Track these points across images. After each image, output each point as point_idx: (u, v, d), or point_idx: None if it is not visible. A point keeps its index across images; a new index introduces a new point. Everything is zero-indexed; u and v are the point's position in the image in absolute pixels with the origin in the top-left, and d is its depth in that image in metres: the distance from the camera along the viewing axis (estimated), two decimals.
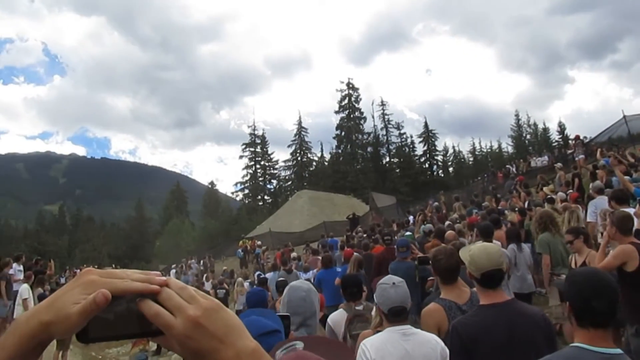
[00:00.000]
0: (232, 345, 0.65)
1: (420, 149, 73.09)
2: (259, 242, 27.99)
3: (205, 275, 22.39)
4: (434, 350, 2.78)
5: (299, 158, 73.79)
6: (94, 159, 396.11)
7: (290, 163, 74.41)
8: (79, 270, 33.50)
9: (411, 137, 73.78)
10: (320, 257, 14.02)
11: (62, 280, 27.90)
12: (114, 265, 41.59)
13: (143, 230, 75.68)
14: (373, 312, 3.64)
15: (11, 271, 12.68)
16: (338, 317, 4.28)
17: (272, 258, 21.87)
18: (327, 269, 8.83)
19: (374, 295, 3.11)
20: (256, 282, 14.32)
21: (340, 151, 71.03)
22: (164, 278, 0.67)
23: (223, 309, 0.67)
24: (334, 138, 71.84)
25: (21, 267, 13.19)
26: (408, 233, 10.77)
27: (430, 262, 3.75)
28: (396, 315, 2.89)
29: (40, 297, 11.53)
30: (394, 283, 2.98)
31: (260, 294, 3.98)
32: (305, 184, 66.26)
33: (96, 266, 39.58)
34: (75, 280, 0.65)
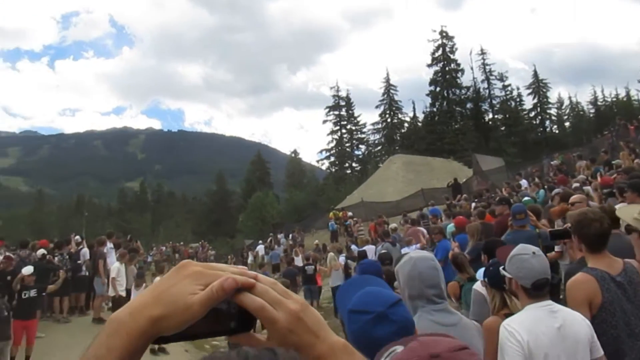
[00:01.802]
0: (325, 339, 0.70)
1: (528, 102, 69.77)
2: (350, 213, 28.20)
3: (294, 250, 22.91)
4: (583, 328, 2.64)
5: (389, 120, 72.94)
6: (170, 132, 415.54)
7: (379, 126, 73.87)
8: (164, 248, 35.65)
9: (517, 89, 70.57)
10: (421, 228, 13.93)
11: (149, 259, 29.77)
12: (202, 242, 43.80)
13: (225, 204, 78.73)
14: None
15: (105, 249, 13.71)
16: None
17: (365, 230, 22.01)
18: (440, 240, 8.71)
19: (505, 269, 2.96)
20: (351, 255, 14.47)
21: (435, 109, 69.23)
22: (253, 273, 0.70)
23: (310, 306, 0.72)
24: (427, 95, 70.10)
25: (112, 245, 14.21)
26: (526, 198, 10.32)
27: (573, 227, 3.51)
28: (539, 289, 2.74)
29: (139, 275, 12.42)
30: (534, 253, 2.83)
31: (377, 264, 3.97)
32: (396, 148, 65.53)
33: (182, 243, 41.95)
34: (177, 272, 0.68)
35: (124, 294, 12.23)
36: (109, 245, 14.08)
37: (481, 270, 4.07)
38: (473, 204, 15.39)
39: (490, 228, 8.47)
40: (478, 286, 4.37)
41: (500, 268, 3.12)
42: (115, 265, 12.49)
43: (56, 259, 13.26)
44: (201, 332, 0.68)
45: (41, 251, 12.78)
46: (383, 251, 9.43)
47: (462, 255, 6.31)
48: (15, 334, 10.54)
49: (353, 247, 16.85)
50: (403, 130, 72.52)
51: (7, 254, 12.76)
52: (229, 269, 0.70)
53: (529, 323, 2.63)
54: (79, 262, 13.69)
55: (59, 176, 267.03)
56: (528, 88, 70.07)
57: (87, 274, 13.77)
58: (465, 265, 5.71)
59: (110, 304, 13.26)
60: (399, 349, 0.97)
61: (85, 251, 13.96)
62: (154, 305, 0.64)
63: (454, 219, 10.79)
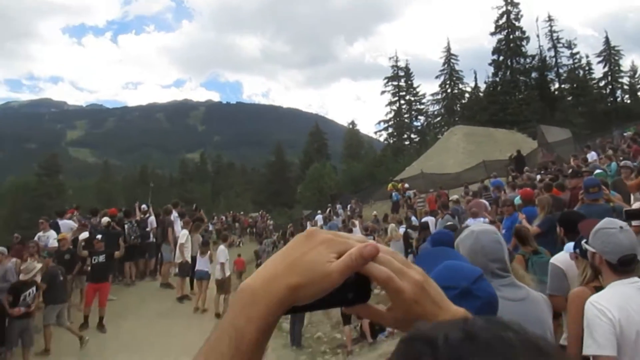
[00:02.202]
0: (447, 309, 0.69)
1: (598, 70, 66.20)
2: (407, 185, 27.95)
3: (351, 221, 22.97)
4: None
5: (449, 90, 71.39)
6: (229, 104, 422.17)
7: (438, 96, 72.50)
8: (224, 218, 36.45)
9: (586, 57, 66.93)
10: (483, 201, 13.64)
11: (211, 228, 30.49)
12: (261, 212, 44.54)
13: (284, 175, 79.68)
14: None
15: (172, 218, 14.17)
16: (567, 259, 4.00)
17: (424, 202, 21.77)
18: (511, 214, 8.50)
19: (589, 243, 2.84)
20: (410, 225, 14.36)
21: (497, 79, 67.00)
22: (374, 242, 0.68)
23: None
24: (489, 64, 67.83)
25: (177, 214, 14.66)
26: (598, 171, 9.90)
27: None
28: (627, 265, 2.62)
29: (204, 243, 12.82)
30: (621, 227, 2.70)
31: (450, 234, 3.88)
32: (456, 119, 64.23)
33: (242, 213, 42.78)
34: (307, 240, 0.66)
35: (190, 260, 12.65)
36: (175, 213, 14.54)
37: (570, 244, 3.91)
38: (538, 177, 14.89)
39: (560, 201, 8.19)
40: (557, 260, 4.23)
41: (583, 242, 3.00)
42: (183, 233, 12.90)
43: (126, 226, 13.80)
44: (319, 304, 0.66)
45: (105, 219, 13.32)
46: (449, 223, 9.28)
47: (525, 228, 6.14)
48: (87, 296, 11.14)
49: (413, 218, 16.74)
50: (464, 101, 70.88)
51: (82, 221, 13.40)
52: (353, 237, 0.68)
53: (619, 300, 2.52)
54: (147, 229, 14.22)
55: (124, 148, 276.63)
56: (598, 56, 66.58)
57: (154, 240, 14.30)
58: (529, 239, 5.55)
59: (176, 270, 13.75)
60: None
61: (152, 219, 14.48)
62: (290, 274, 0.63)
63: (520, 190, 10.51)
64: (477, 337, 0.49)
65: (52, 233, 11.88)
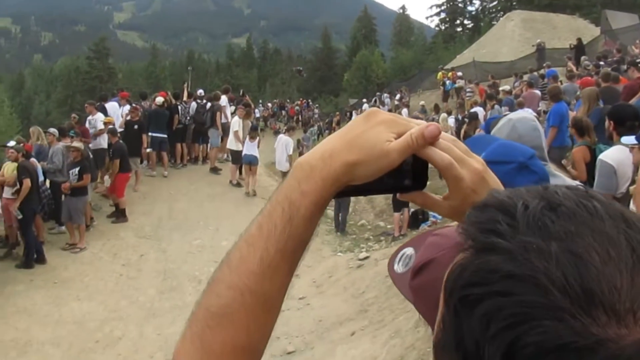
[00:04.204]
0: None
1: None
2: (460, 74, 27.10)
3: (398, 111, 22.74)
4: None
5: None
6: None
7: None
8: (270, 105, 36.56)
9: None
10: (536, 91, 13.16)
11: (257, 114, 30.72)
12: (301, 99, 44.45)
13: (330, 62, 78.17)
14: None
15: (222, 103, 14.26)
16: (621, 155, 3.88)
17: (475, 92, 21.19)
18: (556, 102, 8.15)
19: None
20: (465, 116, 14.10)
21: None
22: (436, 123, 0.65)
23: None
24: None
25: (227, 100, 14.73)
26: None
27: None
28: None
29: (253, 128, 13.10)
30: None
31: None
32: (514, 3, 60.42)
33: (287, 100, 42.80)
34: (367, 119, 0.64)
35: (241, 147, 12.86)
36: (224, 99, 14.63)
37: (631, 137, 3.72)
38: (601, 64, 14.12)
39: (615, 93, 7.82)
40: (606, 156, 4.10)
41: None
42: (235, 119, 13.03)
43: (179, 107, 14.02)
44: (375, 188, 0.65)
45: (160, 99, 13.58)
46: (495, 115, 9.06)
47: (585, 117, 5.92)
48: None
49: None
50: None
51: (133, 104, 13.68)
52: (414, 120, 0.66)
53: None
54: (201, 112, 14.29)
55: (171, 31, 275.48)
56: None
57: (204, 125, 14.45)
58: (590, 129, 5.36)
59: (226, 156, 14.08)
60: (409, 250, 0.92)
61: (193, 105, 14.49)
62: (348, 151, 0.62)
63: (580, 80, 10.05)
64: (559, 205, 0.46)
65: (99, 115, 12.21)
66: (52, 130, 10.79)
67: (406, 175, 0.65)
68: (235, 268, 0.62)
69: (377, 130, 0.62)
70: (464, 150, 0.65)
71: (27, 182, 8.79)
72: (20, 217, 8.77)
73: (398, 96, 27.94)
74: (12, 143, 10.04)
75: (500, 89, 16.09)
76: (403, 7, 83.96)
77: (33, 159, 9.78)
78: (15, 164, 9.04)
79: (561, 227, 0.44)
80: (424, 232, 1.01)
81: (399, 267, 0.96)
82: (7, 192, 9.14)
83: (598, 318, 0.40)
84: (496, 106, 11.67)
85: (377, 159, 0.61)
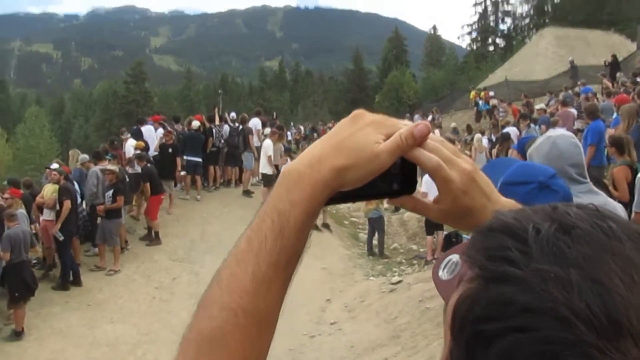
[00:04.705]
0: (497, 202, 0.65)
1: None
2: (492, 93, 26.84)
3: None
4: None
5: None
6: (307, 10, 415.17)
7: None
8: (302, 127, 36.77)
9: None
10: (571, 110, 12.91)
11: (289, 137, 30.90)
12: (332, 121, 44.52)
13: (362, 83, 78.37)
14: None
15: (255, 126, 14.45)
16: None
17: (508, 112, 20.92)
18: (593, 120, 7.99)
19: None
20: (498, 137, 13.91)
21: None
22: (424, 121, 0.65)
23: None
24: None
25: (259, 122, 14.87)
26: None
27: None
28: None
29: (286, 151, 13.19)
30: None
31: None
32: (547, 20, 59.80)
33: (320, 122, 42.99)
34: (353, 121, 0.62)
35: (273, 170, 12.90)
36: (257, 122, 14.78)
37: None
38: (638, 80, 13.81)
39: None
40: None
41: None
42: (268, 143, 13.09)
43: (214, 130, 14.20)
44: (364, 193, 0.63)
45: (196, 123, 13.80)
46: (531, 134, 8.91)
47: (625, 135, 5.75)
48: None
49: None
50: (556, 0, 65.57)
51: (168, 128, 13.93)
52: (402, 122, 0.64)
53: None
54: (234, 136, 14.47)
55: (205, 55, 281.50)
56: None
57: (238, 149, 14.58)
58: (631, 148, 5.19)
59: (258, 179, 14.16)
60: (455, 257, 0.89)
61: (226, 128, 14.64)
62: (336, 155, 0.59)
63: (615, 98, 9.84)
64: (573, 227, 0.42)
65: (130, 141, 12.65)
66: (82, 157, 11.18)
67: (395, 179, 0.64)
68: (226, 287, 0.59)
69: (365, 132, 0.60)
70: (452, 150, 0.64)
71: (67, 204, 9.00)
72: (61, 238, 8.95)
73: (430, 117, 27.72)
74: (55, 166, 10.36)
75: (536, 107, 15.86)
76: (434, 27, 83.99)
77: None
78: (56, 186, 9.28)
79: (579, 253, 0.40)
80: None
81: (443, 274, 0.93)
82: (47, 214, 9.38)
83: (628, 352, 0.37)
84: (531, 125, 11.47)
85: (367, 162, 0.59)
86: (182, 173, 13.30)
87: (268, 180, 12.88)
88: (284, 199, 0.59)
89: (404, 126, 0.61)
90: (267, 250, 0.58)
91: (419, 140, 0.60)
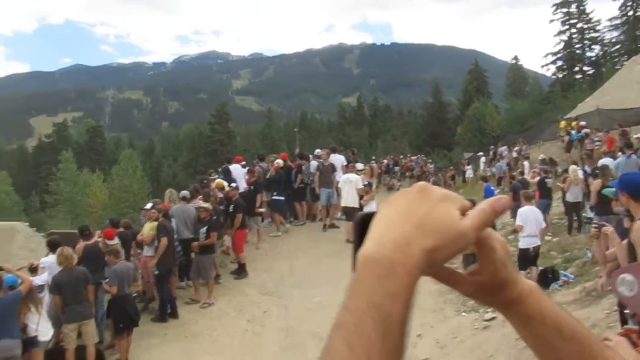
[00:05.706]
0: (518, 278, 0.67)
1: None
2: (583, 123, 25.82)
3: (519, 163, 21.98)
4: None
5: (631, 12, 63.32)
6: (383, 46, 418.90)
7: (617, 21, 64.56)
8: (385, 161, 36.77)
9: None
10: None
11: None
12: (410, 156, 44.27)
13: (442, 116, 77.60)
14: None
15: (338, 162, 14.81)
16: None
17: (603, 141, 20.02)
18: None
19: None
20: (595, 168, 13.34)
21: None
22: (502, 196, 0.66)
23: None
24: None
25: (343, 158, 15.17)
26: None
27: None
28: None
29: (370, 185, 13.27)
30: None
31: None
32: (639, 46, 57.16)
33: (401, 156, 42.84)
34: (424, 196, 0.59)
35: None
36: (341, 158, 15.08)
37: None
38: None
39: None
40: None
41: None
42: (356, 178, 13.29)
43: (303, 167, 14.67)
44: None
45: (280, 161, 14.27)
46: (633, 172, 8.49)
47: None
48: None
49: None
50: None
51: (248, 167, 14.52)
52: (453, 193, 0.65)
53: None
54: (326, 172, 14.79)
55: (284, 94, 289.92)
56: None
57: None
58: None
59: (340, 214, 14.31)
60: (629, 277, 0.91)
61: (314, 163, 15.00)
62: (424, 236, 0.55)
63: None
64: None
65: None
66: (184, 193, 11.73)
67: None
68: None
69: (443, 208, 0.57)
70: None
71: (164, 240, 9.48)
72: (156, 272, 9.44)
73: (516, 148, 27.01)
74: (148, 205, 10.94)
75: (635, 137, 15.14)
76: (516, 57, 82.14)
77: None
78: (154, 224, 9.82)
79: None
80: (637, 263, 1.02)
81: (624, 291, 0.99)
82: (147, 251, 9.93)
83: None
84: (633, 156, 10.94)
85: (455, 241, 0.56)
86: (262, 210, 13.63)
87: (351, 214, 12.97)
88: (378, 291, 0.52)
89: (466, 200, 0.61)
90: (376, 356, 0.50)
91: (499, 214, 0.59)
